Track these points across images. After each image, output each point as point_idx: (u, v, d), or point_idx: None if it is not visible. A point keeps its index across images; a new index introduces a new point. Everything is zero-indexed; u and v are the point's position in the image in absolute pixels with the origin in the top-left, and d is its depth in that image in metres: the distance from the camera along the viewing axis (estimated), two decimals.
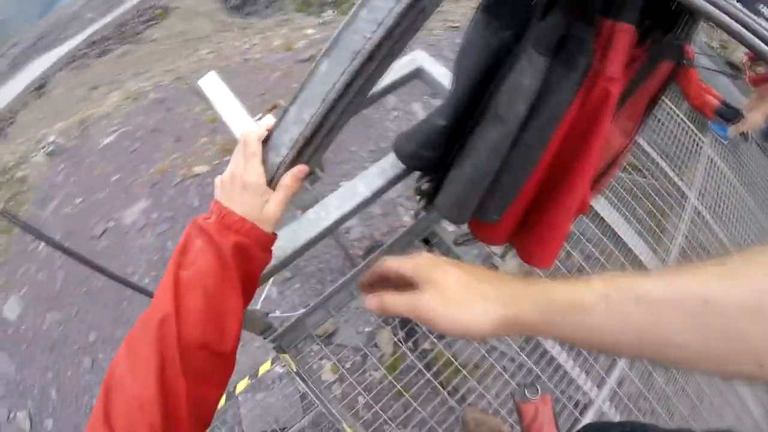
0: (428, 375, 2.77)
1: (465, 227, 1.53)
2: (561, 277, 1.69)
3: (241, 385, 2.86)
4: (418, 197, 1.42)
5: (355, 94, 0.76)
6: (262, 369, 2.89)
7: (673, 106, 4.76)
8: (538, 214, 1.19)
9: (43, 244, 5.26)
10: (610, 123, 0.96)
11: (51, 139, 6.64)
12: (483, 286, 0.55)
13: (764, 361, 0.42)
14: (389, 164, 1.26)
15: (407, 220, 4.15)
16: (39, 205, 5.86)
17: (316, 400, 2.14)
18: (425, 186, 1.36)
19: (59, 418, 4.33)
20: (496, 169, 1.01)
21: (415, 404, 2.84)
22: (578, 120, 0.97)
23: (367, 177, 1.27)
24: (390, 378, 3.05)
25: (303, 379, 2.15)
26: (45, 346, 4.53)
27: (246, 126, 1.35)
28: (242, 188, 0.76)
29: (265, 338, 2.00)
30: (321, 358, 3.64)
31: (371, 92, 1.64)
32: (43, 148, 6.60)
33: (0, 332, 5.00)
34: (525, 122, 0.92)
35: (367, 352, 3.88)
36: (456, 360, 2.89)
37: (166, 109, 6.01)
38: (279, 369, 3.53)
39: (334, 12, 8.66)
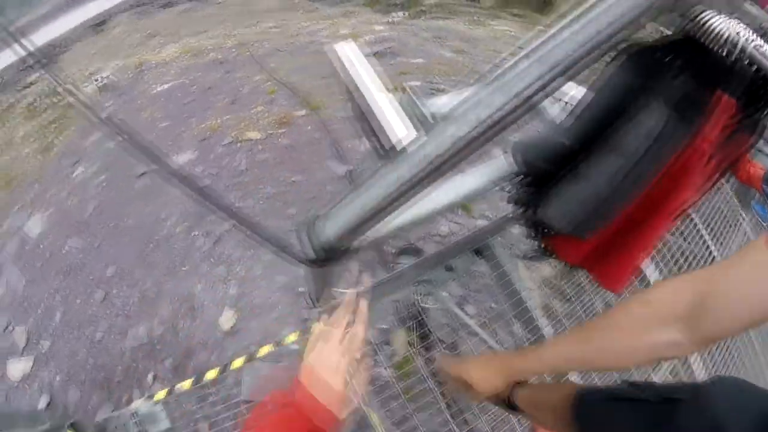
0: (430, 383, 2.87)
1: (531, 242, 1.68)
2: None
3: (264, 350, 2.97)
4: (512, 203, 1.55)
5: None
6: (289, 339, 3.00)
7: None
8: (624, 241, 1.35)
9: (79, 170, 5.49)
10: (697, 176, 1.14)
11: (105, 74, 6.94)
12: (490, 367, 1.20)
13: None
14: (496, 166, 1.39)
15: (444, 229, 4.29)
16: (81, 134, 6.12)
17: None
18: (523, 193, 1.50)
19: (57, 342, 4.48)
20: (606, 194, 1.19)
21: (410, 408, 2.93)
22: (675, 166, 1.14)
23: (475, 173, 1.40)
24: (393, 377, 3.15)
25: None
26: (60, 269, 4.72)
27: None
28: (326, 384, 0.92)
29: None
30: None
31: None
32: (95, 81, 6.89)
33: (17, 246, 5.20)
34: (639, 158, 1.11)
35: (377, 349, 3.97)
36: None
37: (225, 71, 6.28)
38: (295, 346, 3.64)
39: (404, 14, 8.96)
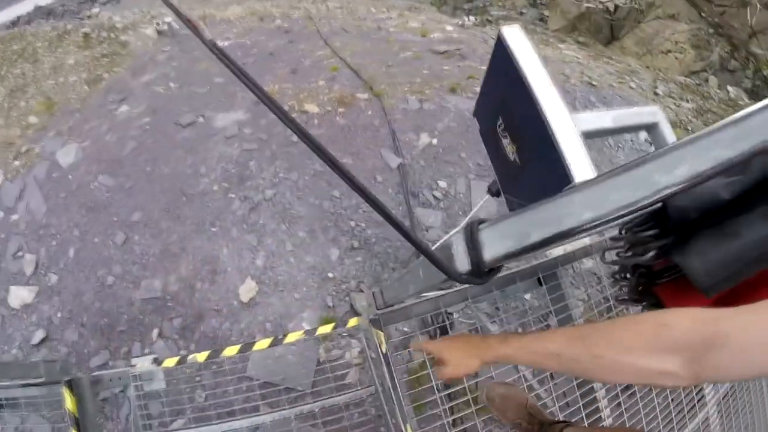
0: (439, 395, 2.65)
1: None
2: None
3: (293, 337, 2.79)
4: (627, 243, 1.45)
5: None
6: (322, 330, 2.82)
7: None
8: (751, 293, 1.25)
9: (123, 107, 5.41)
10: None
11: (166, 19, 6.90)
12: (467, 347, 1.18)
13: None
14: None
15: None
16: (132, 72, 6.08)
17: (390, 390, 2.06)
18: (649, 234, 1.38)
19: (65, 278, 4.38)
20: (755, 257, 1.12)
21: (415, 418, 2.74)
22: None
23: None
24: (402, 384, 2.97)
25: (387, 363, 2.08)
26: (84, 204, 4.62)
27: None
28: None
29: (378, 309, 2.00)
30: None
31: (600, 128, 1.66)
32: (156, 24, 6.85)
33: (45, 171, 5.14)
34: None
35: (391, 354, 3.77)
36: (471, 393, 2.78)
37: (289, 40, 6.21)
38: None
39: (475, 19, 8.88)
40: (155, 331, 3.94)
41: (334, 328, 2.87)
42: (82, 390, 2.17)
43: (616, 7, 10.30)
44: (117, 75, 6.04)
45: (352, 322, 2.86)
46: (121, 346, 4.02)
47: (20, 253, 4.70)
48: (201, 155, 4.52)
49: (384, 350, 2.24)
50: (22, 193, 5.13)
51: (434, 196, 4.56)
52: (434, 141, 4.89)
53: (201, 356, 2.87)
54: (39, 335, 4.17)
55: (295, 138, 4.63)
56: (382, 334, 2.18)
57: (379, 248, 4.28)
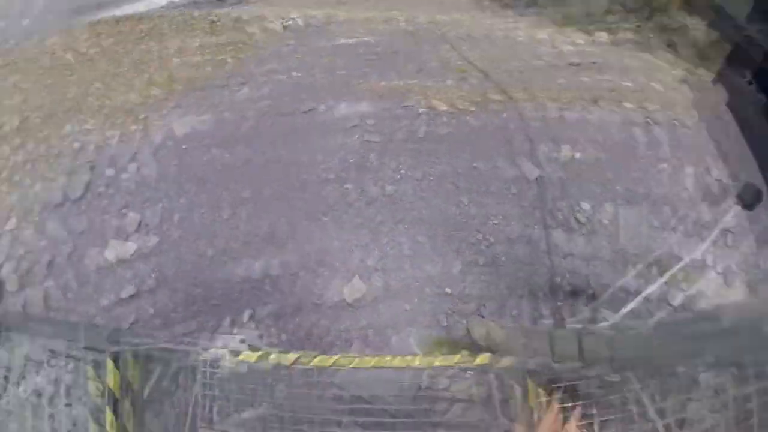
0: None
1: None
2: None
3: (405, 361, 2.49)
4: None
5: None
6: (444, 361, 2.50)
7: None
8: None
9: (244, 90, 5.54)
10: None
11: (293, 15, 7.16)
12: None
13: None
14: None
15: None
16: (255, 61, 6.29)
17: None
18: None
19: (166, 241, 4.46)
20: None
21: None
22: None
23: None
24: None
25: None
26: (195, 174, 4.70)
27: None
28: None
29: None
30: None
31: None
32: (281, 19, 7.11)
33: (161, 138, 5.32)
34: None
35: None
36: None
37: (414, 42, 6.25)
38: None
39: (609, 36, 8.60)
40: (247, 313, 3.82)
41: (460, 362, 2.52)
42: (130, 365, 1.92)
43: None
44: (240, 61, 6.26)
45: (483, 358, 2.51)
46: (209, 320, 3.92)
47: (125, 211, 4.82)
48: (320, 143, 4.48)
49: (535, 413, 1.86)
50: (136, 155, 5.32)
51: (576, 219, 4.08)
52: (577, 155, 4.46)
53: (287, 357, 2.59)
54: (129, 291, 4.18)
55: (421, 134, 4.48)
56: (542, 392, 1.80)
57: (508, 270, 3.89)
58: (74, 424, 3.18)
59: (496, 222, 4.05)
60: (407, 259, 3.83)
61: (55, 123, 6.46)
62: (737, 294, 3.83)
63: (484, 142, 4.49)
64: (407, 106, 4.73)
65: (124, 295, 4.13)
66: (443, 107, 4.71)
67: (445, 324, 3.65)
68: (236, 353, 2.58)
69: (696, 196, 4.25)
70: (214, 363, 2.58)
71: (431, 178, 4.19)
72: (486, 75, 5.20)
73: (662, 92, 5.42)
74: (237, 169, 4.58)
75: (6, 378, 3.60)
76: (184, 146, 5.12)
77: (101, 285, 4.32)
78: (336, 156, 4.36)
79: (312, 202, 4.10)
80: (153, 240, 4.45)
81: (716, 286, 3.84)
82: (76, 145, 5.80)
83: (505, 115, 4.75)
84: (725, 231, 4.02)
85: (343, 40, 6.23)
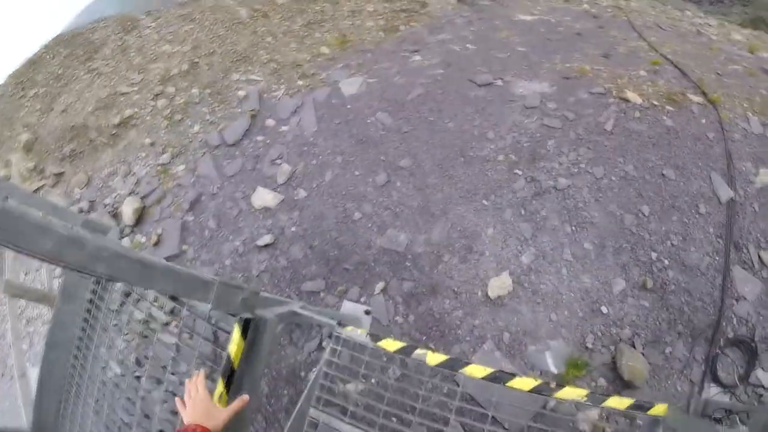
0: None
1: None
2: None
3: (567, 393, 2.06)
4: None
5: None
6: (614, 403, 2.03)
7: None
8: None
9: (416, 58, 5.41)
10: None
11: None
12: None
13: None
14: None
15: None
16: (428, 29, 6.18)
17: None
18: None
19: (313, 197, 4.54)
20: None
21: None
22: None
23: None
24: None
25: None
26: (356, 135, 4.68)
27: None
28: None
29: None
30: None
31: None
32: None
33: (326, 96, 5.42)
34: None
35: None
36: None
37: (598, 25, 5.61)
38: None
39: None
40: (380, 285, 3.70)
41: (634, 407, 2.01)
42: (261, 333, 1.72)
43: None
44: (413, 29, 6.21)
45: (659, 410, 1.98)
46: (339, 283, 3.91)
47: (279, 161, 5.01)
48: (492, 119, 4.14)
49: None
50: (298, 109, 5.53)
51: (760, 259, 3.51)
52: None
53: (392, 344, 2.25)
54: (266, 239, 4.37)
55: (608, 126, 3.91)
56: None
57: (675, 300, 3.30)
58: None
59: (675, 243, 3.47)
60: (566, 265, 3.38)
61: (222, 71, 7.10)
62: None
63: (678, 149, 3.83)
64: (596, 93, 4.17)
65: (260, 242, 4.33)
66: (637, 99, 4.09)
67: (590, 345, 3.17)
68: (376, 338, 2.37)
69: None
70: (346, 342, 2.43)
71: (613, 178, 3.64)
72: (683, 72, 4.39)
73: None
74: (400, 136, 4.48)
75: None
76: (348, 106, 5.19)
77: (240, 229, 4.60)
78: (509, 136, 4.00)
79: (474, 181, 3.81)
80: (301, 193, 4.58)
81: None
82: (241, 93, 6.30)
83: (704, 121, 4.04)
84: None
85: (521, 16, 5.80)
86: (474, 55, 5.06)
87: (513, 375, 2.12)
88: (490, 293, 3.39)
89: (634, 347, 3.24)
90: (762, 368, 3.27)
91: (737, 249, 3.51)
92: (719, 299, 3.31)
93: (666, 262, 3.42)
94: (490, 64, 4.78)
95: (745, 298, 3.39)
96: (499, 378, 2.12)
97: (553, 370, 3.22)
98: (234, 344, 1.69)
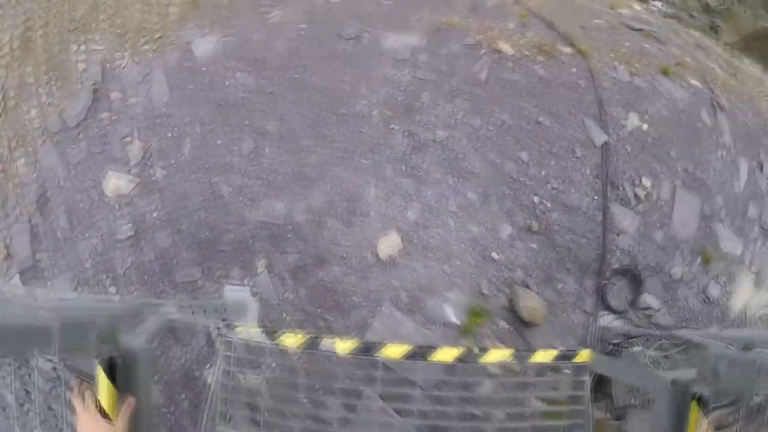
0: None
1: None
2: None
3: (495, 356, 2.04)
4: None
5: None
6: (540, 357, 2.04)
7: None
8: None
9: (275, 12, 4.96)
10: None
11: None
12: None
13: None
14: None
15: None
16: None
17: None
18: None
19: (173, 175, 4.03)
20: None
21: None
22: None
23: None
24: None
25: None
26: (215, 100, 4.20)
27: None
28: None
29: None
30: None
31: None
32: None
33: (177, 60, 4.79)
34: None
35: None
36: None
37: None
38: None
39: (662, 5, 7.96)
40: (262, 262, 3.39)
41: (558, 358, 2.04)
42: (133, 367, 1.44)
43: None
44: None
45: (584, 356, 2.04)
46: (217, 267, 3.51)
47: (129, 138, 4.35)
48: (363, 73, 3.95)
49: None
50: (147, 77, 4.82)
51: (635, 195, 3.80)
52: (645, 126, 4.10)
53: (293, 339, 2.07)
54: (127, 231, 3.81)
55: (482, 77, 3.93)
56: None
57: (561, 240, 3.48)
58: None
59: (555, 186, 3.64)
60: (453, 216, 3.38)
61: (59, 43, 5.97)
62: None
63: (551, 97, 3.97)
64: (468, 45, 4.17)
65: (121, 236, 3.77)
66: (509, 50, 4.16)
67: (486, 292, 3.27)
68: (272, 334, 2.08)
69: (746, 192, 4.29)
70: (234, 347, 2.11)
71: (490, 127, 3.68)
72: (550, 25, 4.63)
73: (722, 76, 5.19)
74: (264, 98, 4.06)
75: None
76: (203, 69, 4.59)
77: (96, 223, 3.95)
78: (382, 91, 3.83)
79: (350, 140, 3.60)
80: (158, 173, 4.01)
81: None
82: (81, 66, 5.34)
83: (574, 70, 4.23)
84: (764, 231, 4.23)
85: None
86: (339, 9, 4.75)
87: (433, 348, 2.01)
88: (380, 254, 3.26)
89: (528, 288, 3.36)
90: (648, 293, 3.58)
91: (614, 187, 3.75)
92: (602, 235, 3.56)
93: (548, 204, 3.56)
94: (357, 18, 4.52)
95: (625, 232, 3.66)
96: (419, 354, 1.98)
97: (455, 321, 3.23)
98: (103, 392, 1.35)
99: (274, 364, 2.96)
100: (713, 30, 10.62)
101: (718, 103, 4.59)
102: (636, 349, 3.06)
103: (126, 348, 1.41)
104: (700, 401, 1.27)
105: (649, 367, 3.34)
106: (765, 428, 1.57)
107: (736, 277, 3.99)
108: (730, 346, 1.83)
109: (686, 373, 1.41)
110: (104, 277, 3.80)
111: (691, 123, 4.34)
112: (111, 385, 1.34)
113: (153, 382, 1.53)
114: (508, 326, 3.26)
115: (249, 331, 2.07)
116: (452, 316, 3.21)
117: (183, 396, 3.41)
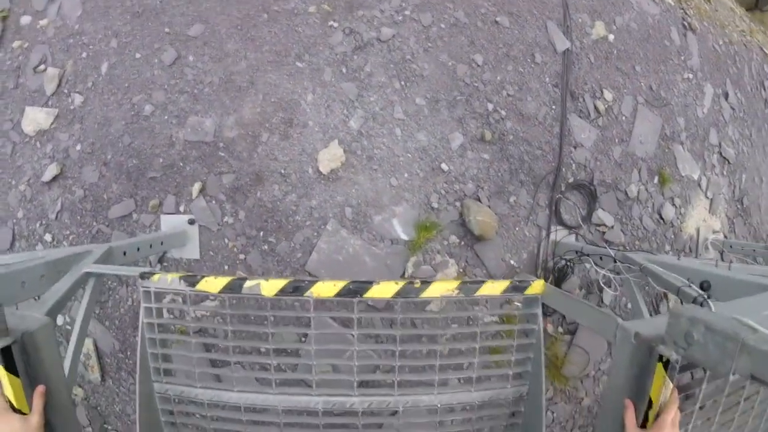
0: None
1: None
2: None
3: (436, 290, 1.85)
4: None
5: None
6: (489, 289, 1.86)
7: None
8: None
9: None
10: None
11: None
12: None
13: None
14: None
15: None
16: None
17: None
18: None
19: (92, 100, 3.71)
20: None
21: None
22: None
23: None
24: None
25: None
26: (129, 8, 3.82)
27: None
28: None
29: None
30: None
31: None
32: None
33: None
34: None
35: None
36: None
37: None
38: None
39: None
40: (196, 186, 3.11)
41: (511, 289, 1.85)
42: (36, 350, 1.23)
43: None
44: None
45: (537, 288, 1.86)
46: (150, 197, 3.23)
47: (42, 66, 3.93)
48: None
49: None
50: None
51: (595, 107, 3.63)
52: (611, 37, 3.89)
53: (214, 284, 1.83)
54: (52, 171, 3.50)
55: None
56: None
57: (515, 150, 3.27)
58: None
59: (511, 93, 3.38)
60: (399, 125, 3.10)
61: None
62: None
63: None
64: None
65: (47, 177, 3.47)
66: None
67: (436, 205, 3.08)
68: (192, 280, 1.83)
69: (708, 118, 4.32)
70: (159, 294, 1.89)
71: (442, 26, 3.31)
72: None
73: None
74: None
75: None
76: None
77: (21, 167, 3.64)
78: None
79: (283, 41, 3.20)
80: (77, 100, 3.63)
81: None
82: None
83: None
84: (723, 158, 4.34)
85: None
86: None
87: (370, 283, 1.80)
88: (321, 168, 2.99)
89: (479, 201, 3.18)
90: (602, 208, 3.57)
91: (573, 98, 3.55)
92: (558, 147, 3.40)
93: (503, 112, 3.30)
94: None
95: (582, 145, 3.51)
96: (354, 291, 1.77)
97: (403, 236, 3.05)
98: (6, 386, 1.19)
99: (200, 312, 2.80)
100: None
101: (689, 24, 4.47)
102: (588, 266, 2.96)
103: (20, 330, 1.19)
104: (668, 364, 1.10)
105: (602, 306, 3.30)
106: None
107: (691, 200, 4.05)
108: (691, 284, 1.66)
109: (651, 327, 1.21)
110: (38, 225, 3.56)
111: (659, 40, 4.18)
112: (13, 376, 1.17)
113: (60, 358, 1.32)
114: (458, 241, 3.11)
115: (167, 278, 1.84)
116: (401, 231, 3.04)
117: (137, 338, 3.25)
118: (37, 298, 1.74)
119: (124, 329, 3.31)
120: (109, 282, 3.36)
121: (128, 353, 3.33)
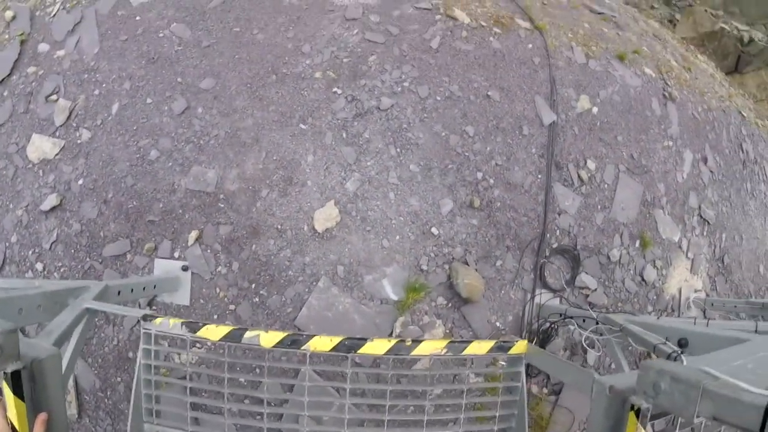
0: None
1: None
2: None
3: (427, 347, 1.98)
4: None
5: None
6: (475, 348, 1.99)
7: None
8: None
9: None
10: None
11: None
12: None
13: None
14: None
15: None
16: None
17: None
18: None
19: (99, 138, 3.83)
20: None
21: None
22: None
23: None
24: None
25: None
26: (146, 53, 4.06)
27: None
28: None
29: None
30: None
31: None
32: None
33: (110, 7, 4.56)
34: None
35: None
36: None
37: None
38: None
39: None
40: (193, 234, 3.23)
41: (496, 349, 1.99)
42: (43, 376, 1.34)
43: (751, 40, 9.65)
44: None
45: (520, 348, 2.01)
46: (146, 239, 3.34)
47: (54, 96, 4.07)
48: (308, 31, 3.71)
49: None
50: (77, 26, 4.47)
51: (579, 176, 3.82)
52: (594, 110, 4.13)
53: (215, 332, 1.94)
54: (51, 201, 3.59)
55: (434, 45, 3.76)
56: None
57: (502, 217, 3.43)
58: None
59: (499, 163, 3.59)
60: (393, 189, 3.27)
61: None
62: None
63: (504, 71, 3.87)
64: (422, 8, 3.98)
65: (45, 207, 3.56)
66: (465, 19, 4.00)
67: (425, 268, 3.21)
68: (194, 327, 1.94)
69: (688, 182, 4.47)
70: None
71: (438, 98, 3.54)
72: None
73: (676, 68, 5.34)
74: (200, 51, 3.81)
75: None
76: (137, 18, 4.27)
77: (20, 192, 3.74)
78: (326, 51, 3.60)
79: (289, 103, 3.40)
80: (84, 135, 3.77)
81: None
82: (9, 13, 4.92)
83: (530, 46, 4.14)
84: (703, 220, 4.46)
85: None
86: None
87: (364, 340, 1.92)
88: (317, 226, 3.14)
89: (467, 264, 3.32)
90: (585, 272, 3.69)
91: (558, 168, 3.75)
92: (543, 214, 3.58)
93: (491, 181, 3.50)
94: None
95: (566, 212, 3.68)
96: (350, 346, 1.89)
97: (393, 296, 3.18)
98: (11, 409, 1.26)
99: (198, 357, 2.87)
100: (671, 23, 10.82)
101: (669, 94, 4.73)
102: (572, 328, 3.08)
103: (32, 359, 1.28)
104: (638, 413, 1.27)
105: (586, 366, 3.41)
106: None
107: (673, 262, 4.14)
108: (667, 342, 1.80)
109: (625, 380, 1.37)
110: (30, 252, 3.62)
111: (641, 111, 4.43)
112: (19, 400, 1.25)
113: (63, 389, 1.42)
114: (446, 302, 3.23)
115: (169, 323, 1.94)
116: (390, 291, 3.16)
117: (119, 379, 3.31)
118: (25, 329, 1.80)
119: (107, 368, 3.33)
120: (96, 319, 3.42)
121: (108, 393, 3.33)
